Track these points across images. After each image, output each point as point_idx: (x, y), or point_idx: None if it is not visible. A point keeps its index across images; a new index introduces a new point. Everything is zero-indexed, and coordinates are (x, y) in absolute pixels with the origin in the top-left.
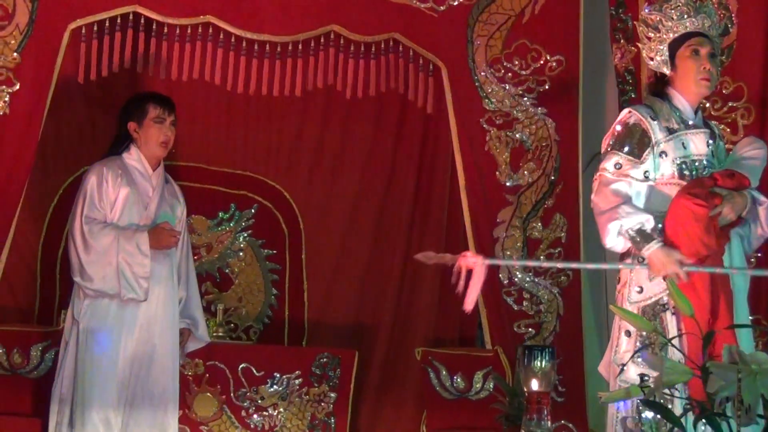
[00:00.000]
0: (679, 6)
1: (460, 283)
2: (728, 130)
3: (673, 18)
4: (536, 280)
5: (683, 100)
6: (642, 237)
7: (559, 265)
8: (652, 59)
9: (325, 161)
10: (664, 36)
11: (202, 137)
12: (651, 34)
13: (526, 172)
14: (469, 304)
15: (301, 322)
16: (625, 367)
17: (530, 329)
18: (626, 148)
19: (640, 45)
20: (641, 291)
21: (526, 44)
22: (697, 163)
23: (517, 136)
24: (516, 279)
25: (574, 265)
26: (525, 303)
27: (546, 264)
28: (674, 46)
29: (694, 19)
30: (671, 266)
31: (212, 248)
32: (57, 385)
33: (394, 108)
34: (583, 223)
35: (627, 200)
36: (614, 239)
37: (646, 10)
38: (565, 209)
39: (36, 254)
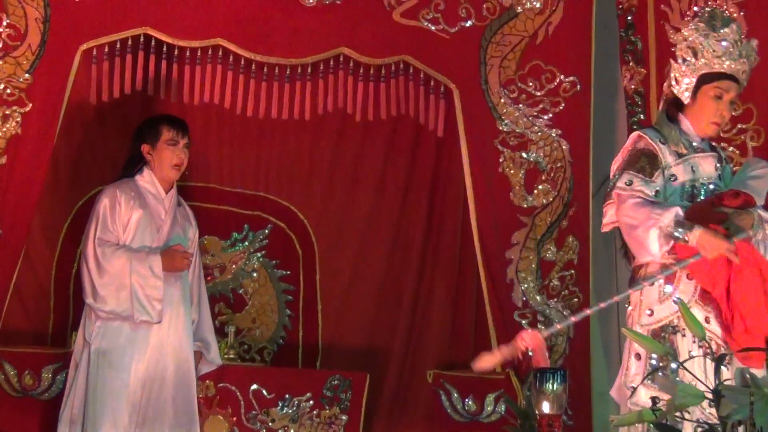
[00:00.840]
0: (725, 41)
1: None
2: (737, 152)
3: (714, 52)
4: (549, 302)
5: (691, 127)
6: (682, 226)
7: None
8: (677, 82)
9: (339, 181)
10: (698, 66)
11: (216, 158)
12: (688, 58)
13: (541, 194)
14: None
15: (316, 342)
16: (635, 390)
17: None
18: (636, 167)
19: (673, 62)
20: (651, 314)
21: (540, 65)
22: (705, 186)
23: (532, 157)
24: (531, 302)
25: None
26: (539, 326)
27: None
28: (703, 80)
29: (733, 63)
30: (723, 245)
31: (226, 269)
32: (67, 407)
33: (408, 129)
34: (592, 245)
35: (652, 204)
36: (656, 244)
37: (694, 27)
38: (577, 231)
39: (50, 273)
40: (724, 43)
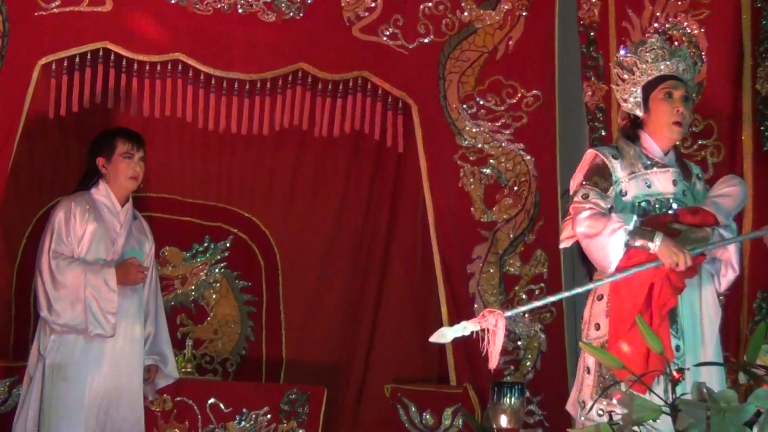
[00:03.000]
0: (654, 49)
1: (485, 345)
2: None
3: (647, 61)
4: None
5: (653, 143)
6: (642, 235)
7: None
8: (625, 101)
9: (301, 193)
10: (638, 78)
11: (177, 169)
12: (625, 76)
13: (502, 208)
14: (494, 363)
15: (279, 353)
16: (585, 405)
17: (510, 366)
18: (592, 182)
19: (613, 87)
20: (599, 328)
21: (500, 80)
22: (661, 201)
23: (492, 172)
24: None
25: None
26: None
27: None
28: (648, 89)
29: (668, 63)
30: (682, 253)
31: (187, 280)
32: (20, 421)
33: (370, 139)
34: (563, 259)
35: (609, 214)
36: (621, 249)
37: (622, 53)
38: (545, 245)
39: (10, 284)
40: (654, 51)
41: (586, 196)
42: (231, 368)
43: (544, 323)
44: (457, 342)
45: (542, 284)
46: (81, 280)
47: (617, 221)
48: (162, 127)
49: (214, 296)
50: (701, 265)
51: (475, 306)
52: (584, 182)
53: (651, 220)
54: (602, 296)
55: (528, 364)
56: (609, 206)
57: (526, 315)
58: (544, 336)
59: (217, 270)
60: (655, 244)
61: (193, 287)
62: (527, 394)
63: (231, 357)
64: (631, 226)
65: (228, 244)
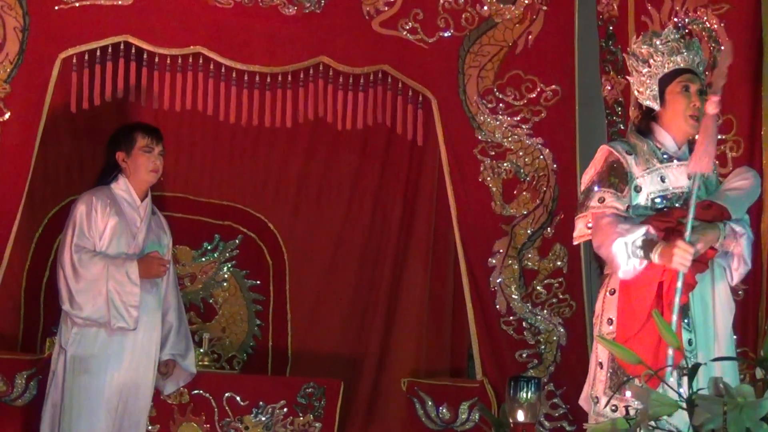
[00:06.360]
0: (669, 41)
1: None
2: (717, 162)
3: (663, 53)
4: (535, 310)
5: (667, 136)
6: (647, 245)
7: None
8: (641, 93)
9: (310, 192)
10: (655, 71)
11: (188, 168)
12: (641, 68)
13: (521, 203)
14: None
15: (285, 352)
16: (599, 399)
17: (534, 359)
18: (608, 183)
19: (629, 78)
20: (611, 323)
21: (520, 75)
22: (676, 195)
23: (510, 167)
24: (514, 309)
25: None
26: (525, 333)
27: None
28: (664, 82)
29: (685, 56)
30: (680, 254)
31: (196, 278)
32: (46, 414)
33: (380, 137)
34: (583, 253)
35: (624, 220)
36: (626, 261)
37: (636, 44)
38: (565, 239)
39: (20, 282)
40: (669, 44)
41: (602, 200)
42: (238, 366)
43: (563, 317)
44: (483, 335)
45: (561, 278)
46: (103, 273)
47: (622, 233)
48: (174, 125)
49: (222, 295)
50: (713, 259)
51: (497, 300)
52: (599, 182)
53: (663, 214)
54: (614, 291)
55: (549, 357)
56: (626, 206)
57: (545, 309)
58: (563, 330)
59: (225, 269)
60: (654, 258)
61: (201, 286)
62: (551, 387)
63: (238, 355)
64: (635, 238)
65: (237, 242)
